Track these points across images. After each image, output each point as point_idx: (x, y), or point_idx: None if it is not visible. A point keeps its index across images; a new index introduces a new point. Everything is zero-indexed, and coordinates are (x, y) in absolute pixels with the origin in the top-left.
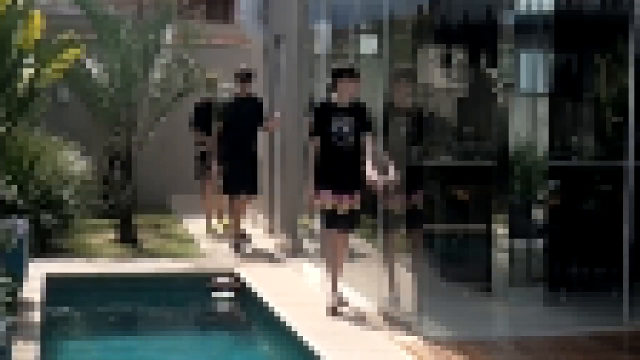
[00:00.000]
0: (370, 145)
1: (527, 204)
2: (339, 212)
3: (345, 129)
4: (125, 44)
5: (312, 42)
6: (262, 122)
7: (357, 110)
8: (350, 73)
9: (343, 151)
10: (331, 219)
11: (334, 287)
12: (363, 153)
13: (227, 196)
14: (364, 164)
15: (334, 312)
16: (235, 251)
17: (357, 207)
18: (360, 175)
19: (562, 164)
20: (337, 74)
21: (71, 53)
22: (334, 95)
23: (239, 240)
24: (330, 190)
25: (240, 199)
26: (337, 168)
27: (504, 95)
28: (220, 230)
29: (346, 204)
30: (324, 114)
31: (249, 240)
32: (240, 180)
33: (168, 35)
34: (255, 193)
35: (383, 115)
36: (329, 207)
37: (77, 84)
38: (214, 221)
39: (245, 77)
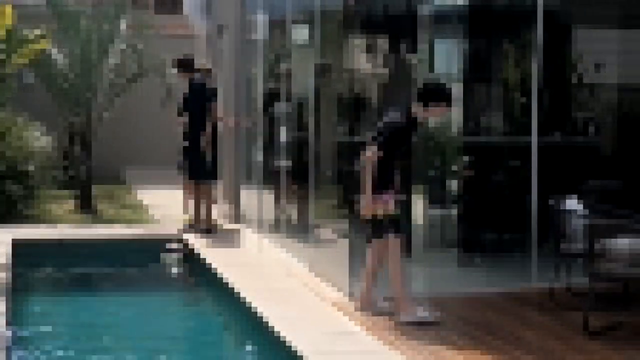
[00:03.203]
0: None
1: (443, 176)
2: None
3: None
4: (84, 33)
5: (251, 32)
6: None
7: None
8: (449, 99)
9: None
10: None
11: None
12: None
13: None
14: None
15: (362, 307)
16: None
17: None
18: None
19: (475, 140)
20: (434, 96)
21: (39, 45)
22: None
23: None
24: (393, 191)
25: (198, 186)
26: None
27: (422, 78)
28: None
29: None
30: (410, 132)
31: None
32: (191, 167)
33: (122, 25)
34: (205, 178)
35: (318, 99)
36: (389, 211)
37: (41, 69)
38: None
39: (179, 65)
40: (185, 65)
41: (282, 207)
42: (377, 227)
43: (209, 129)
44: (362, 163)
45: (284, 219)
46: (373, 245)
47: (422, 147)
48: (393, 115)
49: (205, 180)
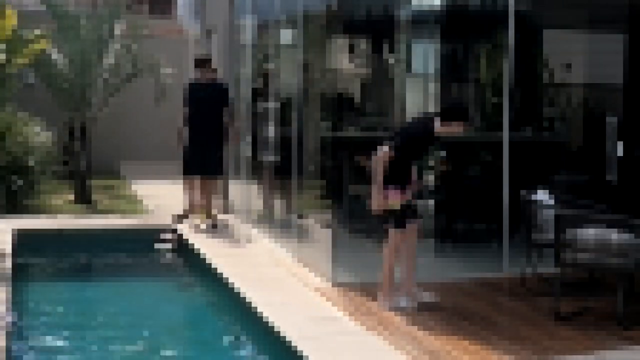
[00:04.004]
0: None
1: (420, 169)
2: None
3: None
4: (82, 35)
5: (239, 34)
6: (227, 105)
7: None
8: (466, 117)
9: None
10: (401, 219)
11: (389, 285)
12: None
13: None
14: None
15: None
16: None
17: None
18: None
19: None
20: (455, 115)
21: (39, 46)
22: (437, 125)
23: (215, 220)
24: (399, 188)
25: (203, 180)
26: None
27: (400, 78)
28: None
29: (409, 192)
30: (427, 143)
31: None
32: (200, 163)
33: (118, 28)
34: (217, 174)
35: (303, 97)
36: (398, 206)
37: (41, 69)
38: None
39: (199, 63)
40: (203, 63)
41: (269, 199)
42: (383, 220)
43: (232, 128)
44: (373, 161)
45: (271, 210)
46: (389, 239)
47: None
48: (413, 125)
49: (215, 175)
